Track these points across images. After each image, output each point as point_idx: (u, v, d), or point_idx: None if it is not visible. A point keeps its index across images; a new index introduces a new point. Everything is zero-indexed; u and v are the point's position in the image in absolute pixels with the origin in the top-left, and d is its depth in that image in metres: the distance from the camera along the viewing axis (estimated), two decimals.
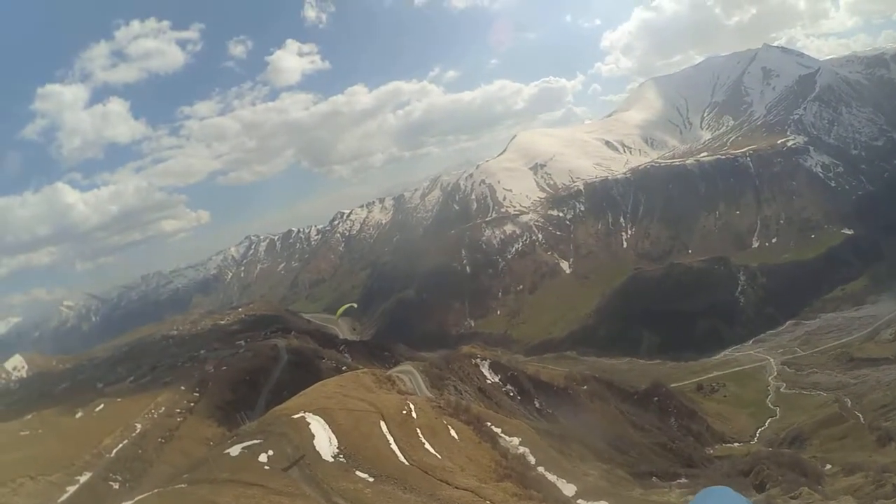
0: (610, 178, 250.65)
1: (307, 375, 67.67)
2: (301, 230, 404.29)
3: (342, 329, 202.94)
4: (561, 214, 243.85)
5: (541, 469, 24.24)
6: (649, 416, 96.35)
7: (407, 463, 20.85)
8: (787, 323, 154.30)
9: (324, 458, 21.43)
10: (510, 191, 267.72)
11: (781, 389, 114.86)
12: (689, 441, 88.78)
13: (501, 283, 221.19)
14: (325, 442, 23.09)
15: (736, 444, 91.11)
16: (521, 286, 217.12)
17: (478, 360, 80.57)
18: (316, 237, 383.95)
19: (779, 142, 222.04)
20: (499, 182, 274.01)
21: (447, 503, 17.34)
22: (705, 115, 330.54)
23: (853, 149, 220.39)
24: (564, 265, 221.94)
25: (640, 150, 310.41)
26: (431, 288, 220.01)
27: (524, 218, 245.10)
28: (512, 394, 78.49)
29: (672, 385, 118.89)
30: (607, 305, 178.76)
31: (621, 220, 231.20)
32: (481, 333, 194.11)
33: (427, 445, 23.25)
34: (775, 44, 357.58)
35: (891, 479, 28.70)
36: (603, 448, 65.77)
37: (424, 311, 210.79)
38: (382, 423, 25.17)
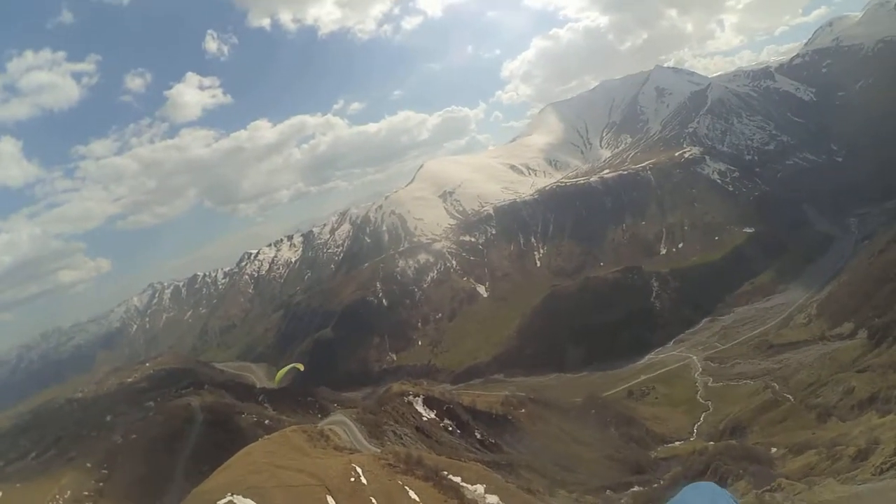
0: (518, 200, 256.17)
1: (227, 436, 62.17)
2: (207, 274, 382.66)
3: (258, 377, 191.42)
4: (473, 239, 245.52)
5: None
6: (589, 429, 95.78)
7: None
8: (704, 321, 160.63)
9: None
10: (421, 219, 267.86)
11: (709, 384, 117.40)
12: (632, 447, 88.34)
13: (420, 312, 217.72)
14: None
15: (677, 443, 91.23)
16: (440, 314, 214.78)
17: (411, 398, 75.68)
18: (223, 280, 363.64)
19: (676, 154, 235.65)
20: (409, 212, 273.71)
21: None
22: (604, 134, 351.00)
23: (746, 154, 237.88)
24: (481, 289, 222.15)
25: (544, 171, 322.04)
26: (349, 325, 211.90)
27: (437, 246, 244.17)
28: (451, 428, 74.13)
29: (603, 394, 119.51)
30: (529, 325, 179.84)
31: (532, 240, 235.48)
32: (405, 367, 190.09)
33: None
34: (666, 65, 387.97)
35: (844, 451, 27.98)
36: (554, 470, 63.13)
37: (344, 350, 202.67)
38: (329, 499, 19.70)
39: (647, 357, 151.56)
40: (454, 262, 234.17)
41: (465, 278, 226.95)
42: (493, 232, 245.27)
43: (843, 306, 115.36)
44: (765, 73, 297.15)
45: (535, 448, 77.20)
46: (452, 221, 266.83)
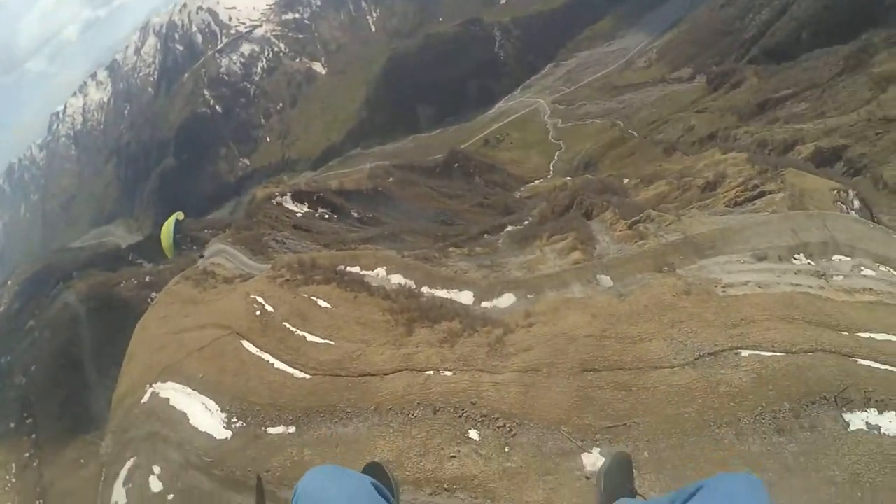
0: None
1: (117, 314, 57.94)
2: (23, 157, 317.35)
3: (119, 235, 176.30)
4: (297, 15, 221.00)
5: (428, 289, 20.56)
6: (456, 182, 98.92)
7: (309, 376, 15.75)
8: (548, 66, 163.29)
9: (218, 437, 15.43)
10: (234, 7, 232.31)
11: (559, 125, 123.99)
12: (498, 192, 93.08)
13: (259, 108, 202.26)
14: (203, 415, 16.72)
15: (537, 182, 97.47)
16: (281, 104, 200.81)
17: (278, 198, 72.99)
18: (41, 155, 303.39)
19: None
20: (218, 2, 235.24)
21: (393, 405, 13.03)
22: None
23: None
24: (317, 67, 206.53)
25: None
26: (189, 145, 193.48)
27: (259, 32, 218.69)
28: (327, 216, 73.71)
29: (462, 147, 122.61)
30: (375, 93, 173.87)
31: (363, 4, 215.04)
32: (260, 168, 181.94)
33: (309, 337, 18.06)
34: None
35: (692, 182, 30.11)
36: (434, 227, 66.06)
37: (193, 172, 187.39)
38: (246, 344, 18.97)
39: (496, 106, 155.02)
40: (282, 45, 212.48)
41: (297, 60, 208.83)
42: (318, 3, 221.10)
43: (683, 52, 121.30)
44: None
45: (411, 212, 79.53)
46: (269, 1, 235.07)
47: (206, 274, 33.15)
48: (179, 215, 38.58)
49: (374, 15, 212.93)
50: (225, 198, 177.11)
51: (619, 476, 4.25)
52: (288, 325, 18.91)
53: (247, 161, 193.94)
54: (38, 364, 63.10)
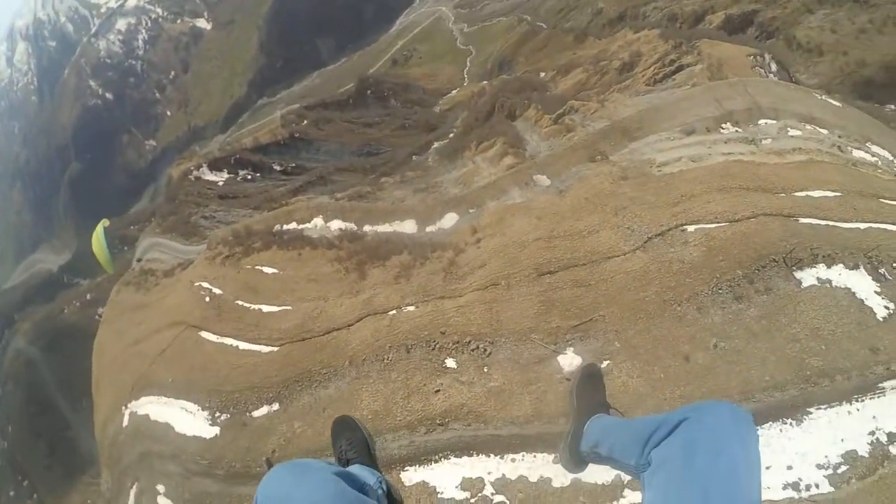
0: None
1: (73, 343, 54.70)
2: None
3: (49, 261, 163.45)
4: None
5: (370, 227, 20.24)
6: (373, 110, 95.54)
7: (276, 348, 15.36)
8: None
9: (208, 437, 14.83)
10: None
11: (465, 30, 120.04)
12: (417, 110, 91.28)
13: (151, 83, 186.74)
14: (186, 419, 15.93)
15: (455, 92, 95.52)
16: (173, 73, 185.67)
17: (195, 172, 69.03)
18: None
19: None
20: None
21: (366, 355, 12.87)
22: None
23: None
24: (202, 23, 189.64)
25: None
26: (88, 144, 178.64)
27: (131, 2, 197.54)
28: (250, 177, 70.58)
29: (371, 72, 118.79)
30: (269, 36, 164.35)
31: None
32: (169, 145, 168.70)
33: (265, 308, 17.52)
34: None
35: (609, 66, 30.02)
36: (361, 162, 64.77)
37: (102, 170, 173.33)
38: (205, 334, 18.10)
39: (398, 22, 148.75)
40: (158, 10, 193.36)
41: (178, 21, 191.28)
42: None
43: None
44: None
45: (334, 150, 76.89)
46: None
47: (144, 274, 31.30)
48: (105, 222, 36.16)
49: None
50: (142, 186, 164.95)
51: (591, 390, 4.28)
52: (241, 303, 18.22)
53: (153, 142, 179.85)
54: (13, 422, 59.22)
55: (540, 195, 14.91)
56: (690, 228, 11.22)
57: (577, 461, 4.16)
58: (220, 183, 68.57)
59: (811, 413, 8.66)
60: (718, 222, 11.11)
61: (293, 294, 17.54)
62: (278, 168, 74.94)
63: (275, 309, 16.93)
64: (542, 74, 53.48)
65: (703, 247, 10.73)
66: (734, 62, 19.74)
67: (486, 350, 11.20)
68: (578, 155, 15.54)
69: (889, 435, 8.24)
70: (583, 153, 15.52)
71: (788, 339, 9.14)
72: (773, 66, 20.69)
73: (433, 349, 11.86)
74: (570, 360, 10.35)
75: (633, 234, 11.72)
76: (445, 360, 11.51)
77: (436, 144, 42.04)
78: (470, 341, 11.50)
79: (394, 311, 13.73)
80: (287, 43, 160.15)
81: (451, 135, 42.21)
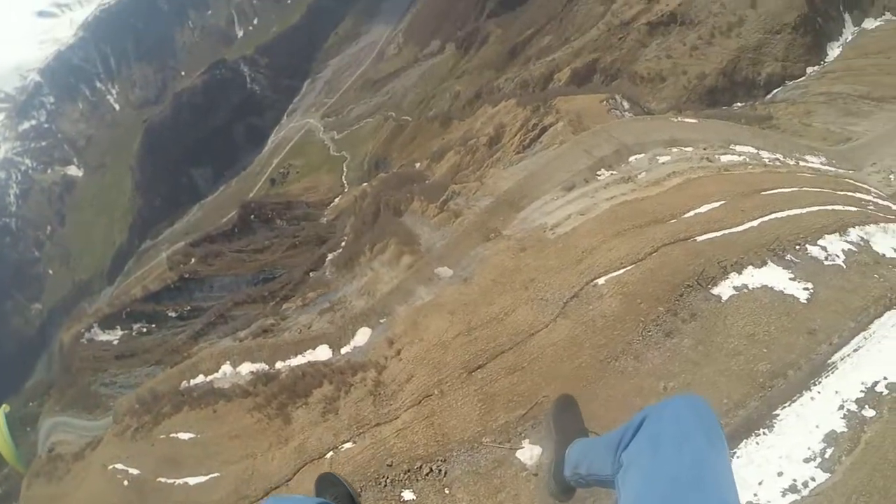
0: (63, 48, 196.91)
1: None
2: None
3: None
4: (34, 122, 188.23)
5: (283, 363, 19.31)
6: (260, 233, 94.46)
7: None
8: (306, 84, 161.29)
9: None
10: None
11: (335, 137, 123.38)
12: (304, 225, 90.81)
13: (27, 243, 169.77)
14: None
15: (337, 200, 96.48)
16: (49, 227, 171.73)
17: (86, 335, 65.40)
18: None
19: None
20: None
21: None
22: None
23: None
24: (73, 170, 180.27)
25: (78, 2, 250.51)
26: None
27: None
28: (145, 329, 66.75)
29: (251, 196, 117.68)
30: (143, 176, 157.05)
31: (99, 84, 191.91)
32: (56, 306, 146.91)
33: (191, 481, 15.82)
34: None
35: (477, 143, 31.24)
36: (258, 290, 62.54)
37: None
38: None
39: (269, 141, 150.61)
40: (28, 161, 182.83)
41: (48, 171, 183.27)
42: (52, 99, 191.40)
43: (426, 28, 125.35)
44: None
45: (228, 284, 74.93)
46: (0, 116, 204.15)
47: (53, 460, 28.01)
48: (6, 408, 32.58)
49: (114, 92, 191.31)
50: (34, 356, 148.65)
51: (569, 420, 4.25)
52: (163, 480, 16.27)
53: (39, 305, 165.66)
54: None
55: (447, 288, 14.48)
56: (601, 281, 11.14)
57: (563, 489, 4.00)
58: (115, 342, 64.11)
59: (778, 415, 8.52)
60: (625, 266, 11.12)
61: (218, 458, 15.80)
62: (174, 314, 71.20)
63: (202, 479, 15.13)
64: (418, 164, 54.79)
65: (619, 295, 10.63)
66: (591, 111, 20.90)
67: (440, 470, 10.20)
68: (473, 238, 15.42)
69: (857, 402, 8.17)
70: (476, 235, 15.42)
71: (730, 354, 9.06)
72: (626, 104, 22.09)
73: (384, 486, 10.66)
74: (529, 453, 9.59)
75: (548, 303, 11.43)
76: (402, 494, 10.36)
77: (330, 256, 41.63)
78: (421, 466, 10.46)
79: (331, 453, 12.50)
80: (162, 179, 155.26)
81: (343, 243, 42.06)
